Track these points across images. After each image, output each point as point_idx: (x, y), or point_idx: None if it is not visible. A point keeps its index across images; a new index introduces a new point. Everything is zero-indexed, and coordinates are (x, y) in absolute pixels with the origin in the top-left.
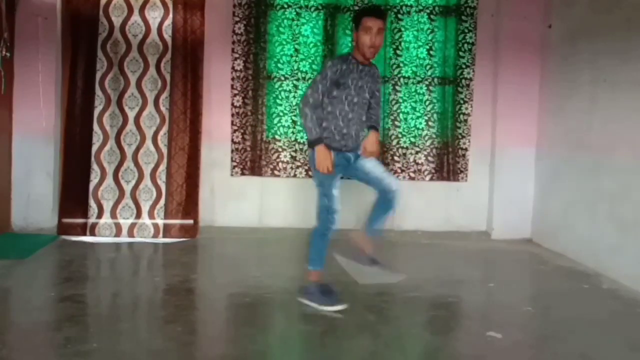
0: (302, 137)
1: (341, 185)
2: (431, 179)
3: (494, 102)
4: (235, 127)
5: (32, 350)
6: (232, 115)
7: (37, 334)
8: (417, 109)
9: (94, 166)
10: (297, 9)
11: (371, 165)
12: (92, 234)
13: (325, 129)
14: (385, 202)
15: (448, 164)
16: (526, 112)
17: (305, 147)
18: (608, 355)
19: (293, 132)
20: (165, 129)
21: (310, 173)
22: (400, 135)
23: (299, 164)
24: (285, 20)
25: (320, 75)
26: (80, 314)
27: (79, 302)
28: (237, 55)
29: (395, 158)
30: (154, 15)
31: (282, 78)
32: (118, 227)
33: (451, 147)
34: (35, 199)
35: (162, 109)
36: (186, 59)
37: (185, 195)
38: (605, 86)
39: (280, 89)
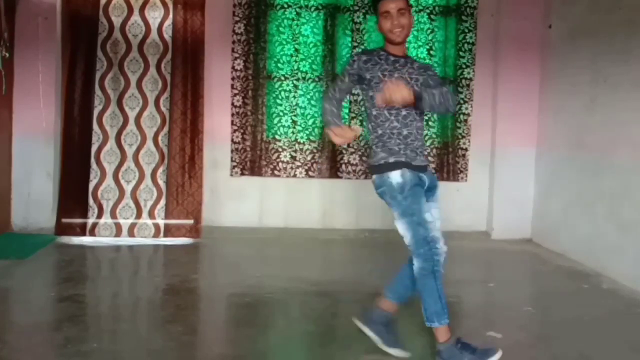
0: (302, 137)
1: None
2: None
3: (494, 102)
4: (235, 127)
5: (32, 350)
6: (232, 115)
7: (37, 334)
8: None
9: (94, 166)
10: (297, 9)
11: (435, 213)
12: (92, 234)
13: (384, 144)
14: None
15: (448, 164)
16: (526, 112)
17: (306, 147)
18: (608, 355)
19: (293, 132)
20: (165, 129)
21: (310, 173)
22: None
23: (299, 163)
24: (285, 20)
25: (341, 74)
26: (80, 314)
27: (79, 302)
28: (237, 55)
29: None
30: (154, 15)
31: (282, 78)
32: (118, 227)
33: (451, 147)
34: (35, 199)
35: (163, 109)
36: (186, 59)
37: (187, 196)
38: (605, 86)
39: (280, 88)
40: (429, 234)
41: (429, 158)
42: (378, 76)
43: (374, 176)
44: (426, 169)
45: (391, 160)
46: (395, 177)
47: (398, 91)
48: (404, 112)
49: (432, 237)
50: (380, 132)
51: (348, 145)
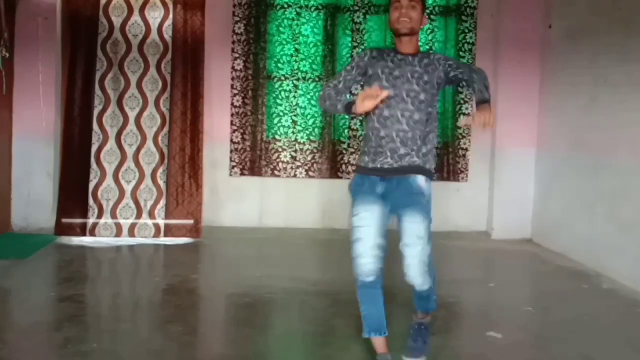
0: (302, 137)
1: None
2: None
3: (494, 102)
4: (235, 127)
5: (32, 350)
6: (232, 115)
7: (37, 334)
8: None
9: (94, 166)
10: (297, 9)
11: (406, 224)
12: (93, 234)
13: (364, 145)
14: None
15: (448, 164)
16: (526, 112)
17: (306, 147)
18: (608, 355)
19: (293, 132)
20: (165, 129)
21: (310, 173)
22: None
23: (299, 163)
24: (285, 20)
25: (346, 67)
26: (80, 314)
27: (79, 302)
28: (237, 55)
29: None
30: (154, 16)
31: (282, 78)
32: (118, 227)
33: (451, 147)
34: (35, 199)
35: (163, 109)
36: (186, 59)
37: (187, 195)
38: (605, 86)
39: (280, 88)
40: (354, 246)
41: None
42: (377, 73)
43: None
44: (400, 173)
45: (360, 163)
46: (352, 180)
47: (361, 101)
48: (385, 113)
49: (355, 251)
50: (364, 132)
51: (348, 145)
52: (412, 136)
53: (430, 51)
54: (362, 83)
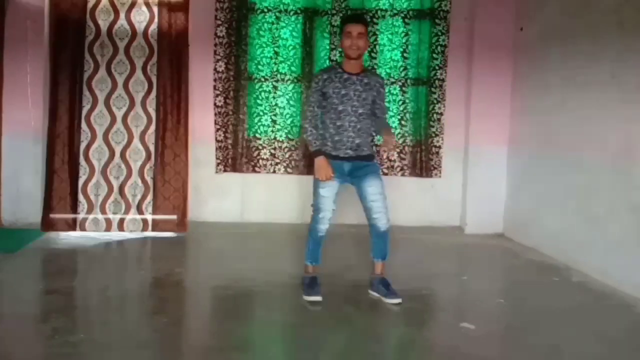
0: (280, 136)
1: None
2: (403, 175)
3: (467, 102)
4: (218, 126)
5: (21, 341)
6: (215, 114)
7: (26, 326)
8: (391, 109)
9: (83, 163)
10: (277, 13)
11: (370, 192)
12: (82, 228)
13: (322, 138)
14: (374, 236)
15: (421, 160)
16: (498, 111)
17: (284, 145)
18: (577, 345)
19: (272, 131)
20: (152, 128)
21: (289, 170)
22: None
23: (278, 160)
24: (265, 24)
25: (311, 90)
26: (67, 306)
27: (66, 295)
28: (219, 57)
29: None
30: (140, 19)
31: (262, 79)
32: (108, 221)
33: (424, 144)
34: (24, 195)
35: (149, 109)
36: (171, 62)
37: (173, 191)
38: (574, 87)
39: (260, 89)
40: (317, 206)
41: (402, 155)
42: (329, 92)
43: None
44: (353, 159)
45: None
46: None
47: (321, 171)
48: (340, 108)
49: (318, 208)
50: (322, 132)
51: None
52: (358, 128)
53: (373, 70)
54: (325, 98)
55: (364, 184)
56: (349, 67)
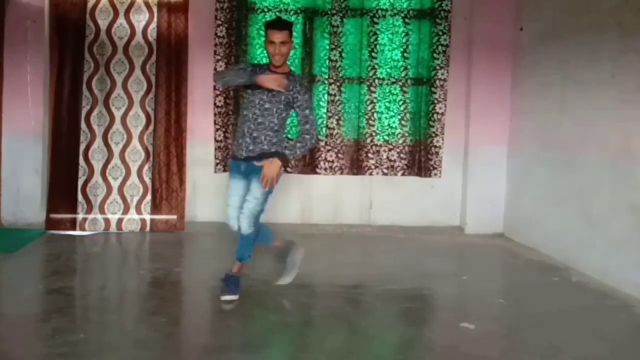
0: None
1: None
2: (403, 174)
3: (467, 102)
4: (218, 126)
5: (21, 341)
6: (215, 114)
7: (26, 325)
8: (391, 109)
9: (82, 163)
10: (277, 13)
11: (251, 194)
12: (82, 228)
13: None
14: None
15: (420, 160)
16: (498, 111)
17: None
18: (576, 345)
19: None
20: (151, 128)
21: (289, 170)
22: (374, 134)
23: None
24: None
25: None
26: (67, 305)
27: (66, 295)
28: (219, 57)
29: (370, 155)
30: (139, 19)
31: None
32: (107, 221)
33: (424, 144)
34: (24, 195)
35: (148, 109)
36: (170, 61)
37: (171, 191)
38: (574, 86)
39: None
40: (227, 202)
41: (402, 155)
42: (252, 85)
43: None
44: (247, 160)
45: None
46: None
47: (269, 81)
48: (244, 112)
49: (227, 207)
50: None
51: (325, 143)
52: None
53: (296, 76)
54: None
55: (252, 180)
56: (275, 69)
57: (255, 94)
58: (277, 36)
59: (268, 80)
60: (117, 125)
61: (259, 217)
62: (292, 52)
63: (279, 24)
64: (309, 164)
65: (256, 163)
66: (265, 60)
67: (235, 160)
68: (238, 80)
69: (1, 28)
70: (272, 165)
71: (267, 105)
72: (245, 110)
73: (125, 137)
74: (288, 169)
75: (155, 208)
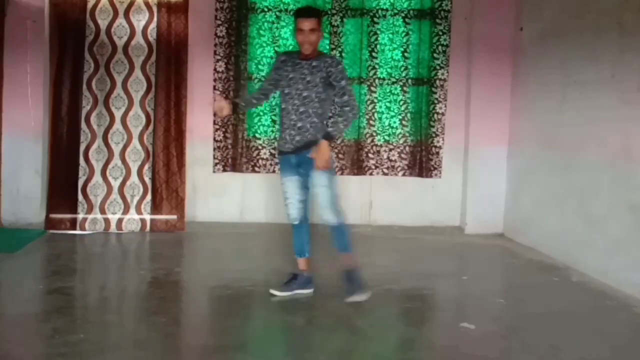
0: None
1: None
2: (404, 175)
3: (467, 101)
4: (218, 126)
5: (21, 341)
6: (215, 114)
7: (26, 325)
8: (392, 109)
9: (82, 163)
10: (277, 13)
11: (314, 180)
12: (82, 228)
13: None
14: (330, 231)
15: (421, 161)
16: (498, 111)
17: None
18: (576, 345)
19: (272, 131)
20: (150, 128)
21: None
22: (374, 134)
23: (277, 160)
24: (265, 24)
25: None
26: (68, 305)
27: (66, 295)
28: (219, 57)
29: (370, 155)
30: (139, 19)
31: (262, 79)
32: (107, 221)
33: (424, 145)
34: (24, 195)
35: (148, 109)
36: (170, 61)
37: (171, 191)
38: (574, 86)
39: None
40: (285, 198)
41: (402, 155)
42: (283, 74)
43: None
44: (296, 152)
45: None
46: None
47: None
48: (283, 106)
49: (285, 201)
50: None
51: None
52: (300, 120)
53: (328, 55)
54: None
55: (311, 173)
56: (304, 55)
57: (290, 86)
58: (306, 24)
59: (322, 164)
60: (117, 125)
61: (338, 202)
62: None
63: (308, 12)
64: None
65: (307, 155)
66: (265, 60)
67: (285, 155)
68: (253, 105)
69: (1, 28)
70: (320, 150)
71: (305, 94)
72: (284, 103)
73: (125, 137)
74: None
75: (155, 208)
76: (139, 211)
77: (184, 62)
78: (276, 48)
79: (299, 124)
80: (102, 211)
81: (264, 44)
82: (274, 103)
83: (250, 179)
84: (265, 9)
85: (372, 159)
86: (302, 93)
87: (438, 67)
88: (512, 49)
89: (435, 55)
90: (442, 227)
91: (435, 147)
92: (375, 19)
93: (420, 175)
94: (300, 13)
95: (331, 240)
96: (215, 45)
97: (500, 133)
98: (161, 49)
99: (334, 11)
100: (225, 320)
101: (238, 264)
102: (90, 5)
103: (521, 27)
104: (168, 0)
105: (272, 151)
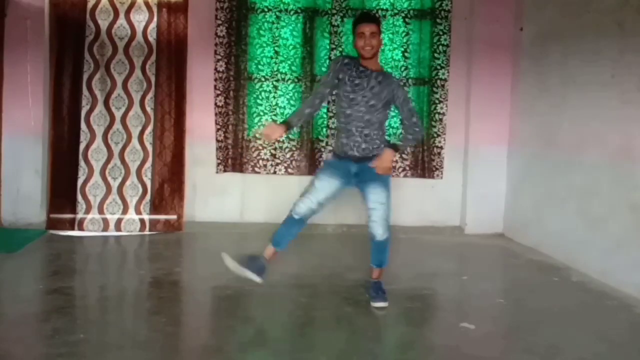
0: (280, 136)
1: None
2: (405, 176)
3: (467, 102)
4: (218, 126)
5: (21, 341)
6: (216, 114)
7: (26, 325)
8: (392, 109)
9: (82, 163)
10: (277, 13)
11: (371, 195)
12: (81, 228)
13: (337, 136)
14: (372, 245)
15: (423, 161)
16: (498, 111)
17: (285, 145)
18: (576, 345)
19: None
20: (150, 128)
21: (290, 170)
22: None
23: (278, 161)
24: (265, 24)
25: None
26: (67, 305)
27: (66, 295)
28: (219, 57)
29: None
30: (139, 19)
31: (263, 79)
32: (105, 222)
33: (426, 145)
34: (24, 195)
35: (148, 109)
36: (170, 61)
37: (170, 191)
38: (574, 87)
39: (260, 89)
40: (305, 193)
41: (404, 156)
42: (346, 78)
43: None
44: (360, 160)
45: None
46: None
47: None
48: (348, 112)
49: (303, 195)
50: (336, 125)
51: (326, 144)
52: (365, 130)
53: (391, 74)
54: (338, 84)
55: (365, 184)
56: (366, 63)
57: (356, 92)
58: (367, 28)
59: (384, 171)
60: (117, 125)
61: (390, 219)
62: (292, 52)
63: (369, 17)
64: (310, 165)
65: (368, 164)
66: (264, 60)
67: (343, 160)
68: (309, 115)
69: (1, 28)
70: (385, 157)
71: (372, 102)
72: (347, 109)
73: (125, 137)
74: (289, 170)
75: (155, 208)
76: (138, 211)
77: (184, 62)
78: (276, 48)
79: (366, 131)
80: (101, 211)
81: (264, 44)
82: (273, 103)
83: (250, 179)
84: (265, 9)
85: None
86: (369, 101)
87: (438, 67)
88: (512, 49)
89: (435, 55)
90: (442, 227)
91: (437, 147)
92: None
93: (422, 176)
94: (362, 19)
95: (371, 254)
96: (216, 45)
97: (500, 133)
98: (161, 49)
99: (334, 11)
100: (225, 320)
101: None
102: (90, 5)
103: (521, 27)
104: (168, 0)
105: (273, 151)
